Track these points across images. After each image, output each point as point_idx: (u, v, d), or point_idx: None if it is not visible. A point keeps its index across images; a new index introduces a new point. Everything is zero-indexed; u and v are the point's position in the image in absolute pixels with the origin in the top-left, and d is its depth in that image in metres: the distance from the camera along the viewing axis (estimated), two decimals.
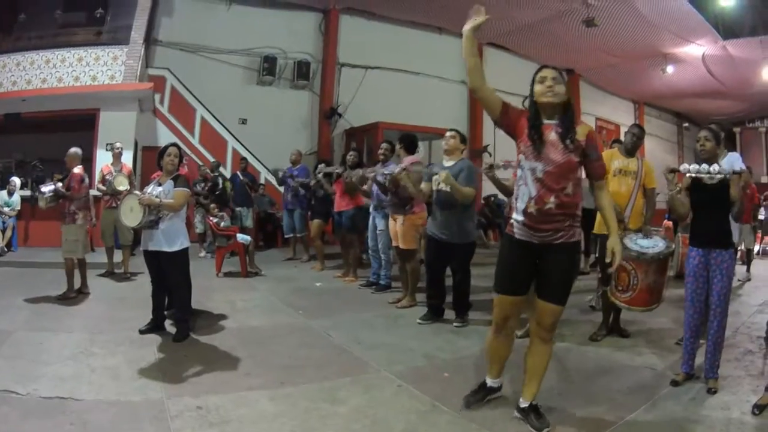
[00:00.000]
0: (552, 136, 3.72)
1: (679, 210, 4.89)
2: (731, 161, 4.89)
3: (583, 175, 3.87)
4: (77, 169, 7.65)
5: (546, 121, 3.76)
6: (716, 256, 4.61)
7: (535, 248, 3.81)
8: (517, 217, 3.82)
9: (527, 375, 3.98)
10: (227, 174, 13.88)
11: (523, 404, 3.94)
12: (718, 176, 4.46)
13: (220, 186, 11.85)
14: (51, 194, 7.46)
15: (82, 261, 7.66)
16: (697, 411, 4.21)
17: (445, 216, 6.56)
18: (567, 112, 3.77)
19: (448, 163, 6.53)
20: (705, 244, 4.68)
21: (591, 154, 3.74)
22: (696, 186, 4.67)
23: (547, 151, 3.72)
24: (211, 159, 13.64)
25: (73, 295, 7.43)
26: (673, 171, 4.73)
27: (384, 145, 8.42)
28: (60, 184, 7.52)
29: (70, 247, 7.50)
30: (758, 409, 4.10)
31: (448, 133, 6.71)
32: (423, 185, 6.81)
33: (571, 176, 3.71)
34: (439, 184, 6.28)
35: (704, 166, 4.51)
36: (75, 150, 7.89)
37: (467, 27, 3.68)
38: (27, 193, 11.59)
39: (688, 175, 4.64)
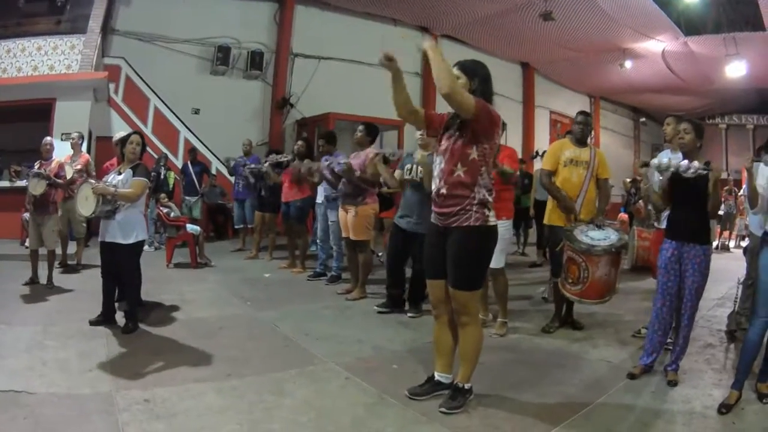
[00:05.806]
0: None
1: (655, 202, 4.97)
2: None
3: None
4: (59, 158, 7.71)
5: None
6: (689, 250, 4.58)
7: (441, 231, 4.02)
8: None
9: (460, 358, 4.12)
10: (178, 164, 13.95)
11: (447, 380, 4.20)
12: (690, 172, 4.35)
13: (162, 176, 11.72)
14: (45, 180, 7.39)
15: (45, 252, 7.68)
16: (657, 404, 4.25)
17: (411, 205, 6.65)
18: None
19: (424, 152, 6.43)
20: (679, 237, 4.64)
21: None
22: (675, 178, 4.56)
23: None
24: (163, 149, 13.68)
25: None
26: (645, 165, 4.68)
27: (320, 141, 8.63)
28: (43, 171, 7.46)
29: (54, 237, 7.62)
30: (725, 408, 4.04)
31: (418, 134, 6.37)
32: (397, 173, 6.86)
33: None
34: (410, 172, 6.36)
35: (674, 162, 4.44)
36: (51, 139, 7.95)
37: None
38: None
39: (661, 173, 4.64)
